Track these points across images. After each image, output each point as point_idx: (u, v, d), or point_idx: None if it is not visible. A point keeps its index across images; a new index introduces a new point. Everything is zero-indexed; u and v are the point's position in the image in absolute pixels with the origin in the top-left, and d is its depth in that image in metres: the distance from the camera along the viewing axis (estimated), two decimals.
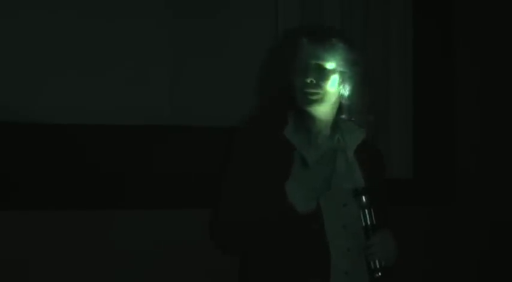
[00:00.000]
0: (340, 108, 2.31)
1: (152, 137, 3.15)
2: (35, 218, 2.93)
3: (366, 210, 2.21)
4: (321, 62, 2.23)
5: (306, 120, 2.28)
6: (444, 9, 3.70)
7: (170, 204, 3.12)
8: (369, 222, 2.21)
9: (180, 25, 3.22)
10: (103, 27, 3.09)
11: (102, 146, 3.06)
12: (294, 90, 2.25)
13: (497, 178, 3.82)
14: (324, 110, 2.27)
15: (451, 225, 3.72)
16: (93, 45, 3.07)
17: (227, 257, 2.65)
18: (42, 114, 2.99)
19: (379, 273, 2.20)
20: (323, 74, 2.23)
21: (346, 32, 3.29)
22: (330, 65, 2.23)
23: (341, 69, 2.24)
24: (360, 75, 2.28)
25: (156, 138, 3.15)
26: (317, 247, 2.19)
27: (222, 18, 3.29)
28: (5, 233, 2.90)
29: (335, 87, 2.25)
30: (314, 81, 2.22)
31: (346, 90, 2.27)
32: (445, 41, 3.72)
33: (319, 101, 2.24)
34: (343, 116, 2.31)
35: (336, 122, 2.31)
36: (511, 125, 3.87)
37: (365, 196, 2.21)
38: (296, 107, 2.27)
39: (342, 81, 2.26)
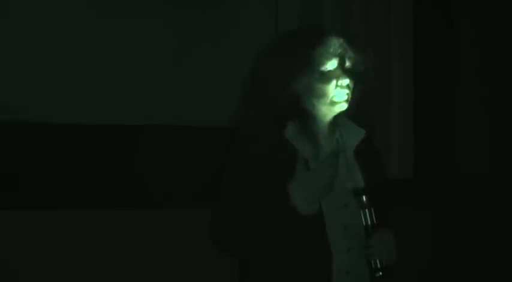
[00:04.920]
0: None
1: (151, 136, 3.15)
2: (35, 218, 2.94)
3: (367, 210, 2.21)
4: (345, 64, 2.25)
5: (307, 121, 2.27)
6: (445, 8, 3.70)
7: (169, 204, 3.12)
8: (369, 222, 2.21)
9: (179, 25, 3.23)
10: (102, 27, 3.09)
11: (101, 146, 3.07)
12: (311, 93, 2.25)
13: (496, 177, 3.83)
14: (327, 111, 2.28)
15: (451, 224, 3.73)
16: (92, 46, 3.08)
17: (227, 258, 2.65)
18: (42, 114, 2.99)
19: (380, 273, 2.20)
20: (351, 75, 2.25)
21: (346, 32, 3.29)
22: (351, 65, 2.26)
23: (357, 68, 2.26)
24: (364, 74, 2.29)
25: (155, 138, 3.15)
26: (318, 247, 2.19)
27: (222, 18, 3.30)
28: (4, 233, 2.90)
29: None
30: (345, 84, 2.24)
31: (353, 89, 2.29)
32: (445, 40, 3.72)
33: (348, 102, 2.26)
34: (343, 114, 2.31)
35: (335, 120, 2.31)
36: (510, 124, 3.87)
37: (365, 196, 2.21)
38: (298, 108, 2.27)
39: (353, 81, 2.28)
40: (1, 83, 2.94)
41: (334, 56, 2.24)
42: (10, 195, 2.91)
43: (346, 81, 2.24)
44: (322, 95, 2.24)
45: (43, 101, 2.99)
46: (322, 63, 2.24)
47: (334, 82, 2.24)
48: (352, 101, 2.28)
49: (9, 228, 2.90)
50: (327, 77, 2.24)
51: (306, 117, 2.27)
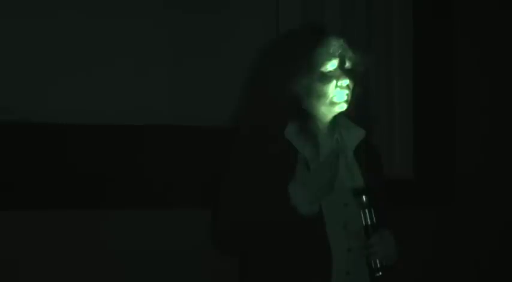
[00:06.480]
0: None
1: (151, 136, 3.15)
2: (36, 218, 2.93)
3: (366, 210, 2.21)
4: (345, 65, 2.26)
5: (307, 121, 2.27)
6: (444, 9, 3.70)
7: (169, 204, 3.12)
8: (369, 222, 2.20)
9: (179, 25, 3.22)
10: (101, 27, 3.09)
11: (101, 146, 3.06)
12: (311, 94, 2.25)
13: (497, 178, 3.83)
14: (327, 111, 2.28)
15: (452, 225, 3.73)
16: (91, 46, 3.07)
17: (227, 258, 2.65)
18: (42, 114, 2.99)
19: (380, 273, 2.19)
20: (351, 76, 2.25)
21: (346, 32, 3.29)
22: (351, 65, 2.26)
23: (357, 68, 2.26)
24: (364, 74, 2.30)
25: (155, 138, 3.15)
26: (318, 247, 2.19)
27: (222, 18, 3.29)
28: (3, 233, 2.90)
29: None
30: (345, 84, 2.24)
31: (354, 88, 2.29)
32: (445, 41, 3.72)
33: (347, 102, 2.26)
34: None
35: (335, 120, 2.32)
36: (510, 125, 3.87)
37: (365, 196, 2.21)
38: (298, 109, 2.27)
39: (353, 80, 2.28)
40: (0, 83, 2.94)
41: (334, 56, 2.25)
42: (10, 196, 2.91)
43: (346, 81, 2.24)
44: (322, 95, 2.24)
45: (43, 101, 2.99)
46: (322, 63, 2.24)
47: (334, 82, 2.24)
48: (352, 101, 2.28)
49: (9, 228, 2.90)
50: (327, 77, 2.24)
51: (306, 117, 2.27)
